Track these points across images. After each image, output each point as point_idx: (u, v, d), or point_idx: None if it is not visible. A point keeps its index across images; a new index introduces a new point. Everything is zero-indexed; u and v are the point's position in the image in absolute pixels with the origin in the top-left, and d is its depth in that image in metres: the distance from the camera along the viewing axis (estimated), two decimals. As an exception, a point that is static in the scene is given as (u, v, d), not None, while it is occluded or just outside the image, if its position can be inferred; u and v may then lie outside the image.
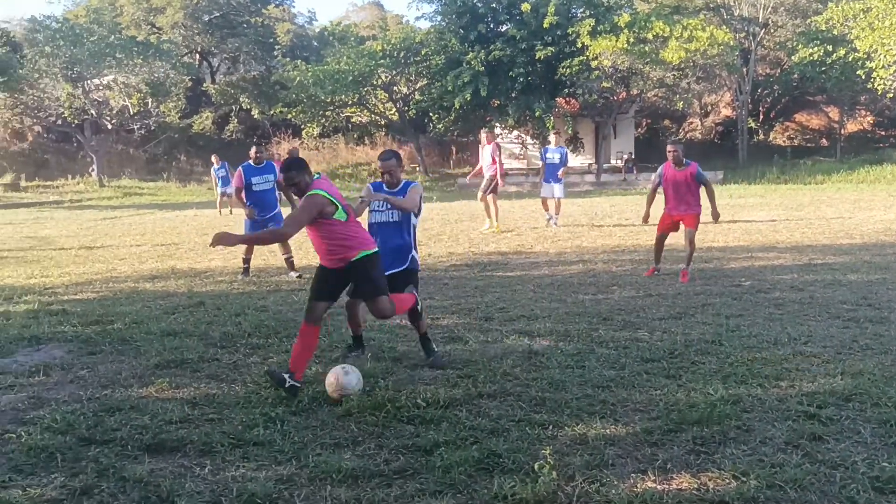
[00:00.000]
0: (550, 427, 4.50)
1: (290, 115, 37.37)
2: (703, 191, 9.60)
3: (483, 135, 16.07)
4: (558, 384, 5.29)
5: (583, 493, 3.64)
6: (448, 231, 15.61)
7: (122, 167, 41.44)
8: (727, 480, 3.73)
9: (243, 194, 10.10)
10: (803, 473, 3.76)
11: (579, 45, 31.32)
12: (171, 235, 16.16)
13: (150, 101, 38.73)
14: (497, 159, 15.11)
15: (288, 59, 39.40)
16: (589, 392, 5.11)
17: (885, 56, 30.45)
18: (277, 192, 10.26)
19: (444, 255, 12.18)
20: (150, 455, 4.20)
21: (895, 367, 5.49)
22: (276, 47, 43.90)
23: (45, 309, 8.23)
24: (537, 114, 32.21)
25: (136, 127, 40.42)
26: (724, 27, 33.96)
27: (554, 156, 15.84)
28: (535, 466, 3.77)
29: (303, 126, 38.88)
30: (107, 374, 5.78)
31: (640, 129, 41.70)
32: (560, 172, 15.49)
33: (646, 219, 10.04)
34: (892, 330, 6.58)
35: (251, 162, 10.23)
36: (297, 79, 34.54)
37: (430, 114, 36.44)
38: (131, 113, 39.02)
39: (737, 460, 3.96)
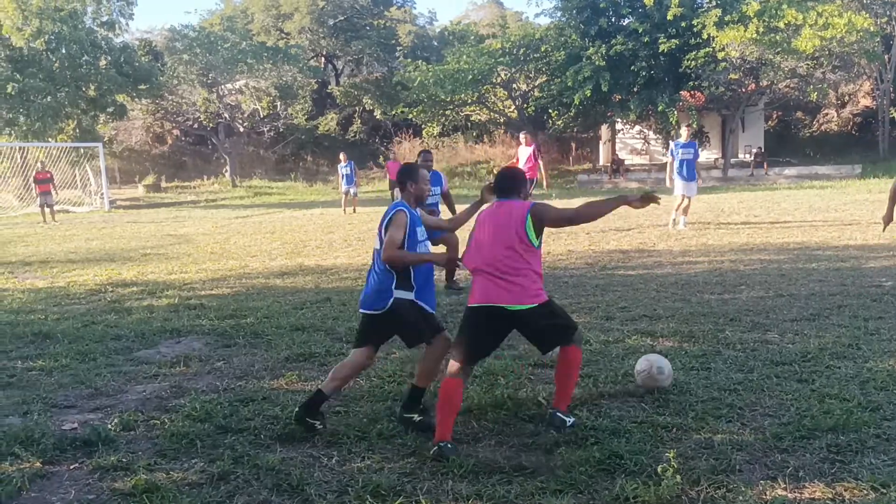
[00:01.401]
0: (674, 430, 4.42)
1: (411, 115, 38.01)
2: None
3: (522, 136, 15.77)
4: (682, 386, 5.18)
5: (708, 497, 3.56)
6: (567, 228, 15.47)
7: (252, 168, 43.33)
8: (865, 491, 3.56)
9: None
10: (949, 488, 3.54)
11: (705, 36, 30.33)
12: (298, 233, 16.79)
13: (278, 104, 40.33)
14: (539, 162, 15.19)
15: (409, 59, 40.09)
16: (715, 395, 4.97)
17: None
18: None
19: (563, 252, 12.10)
20: (281, 444, 4.40)
21: None
22: (398, 48, 44.79)
23: (185, 303, 8.74)
24: (660, 108, 31.44)
25: (265, 129, 42.18)
26: (864, 12, 32.02)
27: (689, 151, 14.98)
28: (658, 469, 3.71)
29: (423, 125, 39.46)
30: (241, 365, 6.09)
31: (770, 122, 39.93)
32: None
33: (888, 220, 7.51)
34: None
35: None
36: (418, 79, 35.08)
37: (550, 110, 36.19)
38: (261, 116, 40.73)
39: (876, 470, 3.77)
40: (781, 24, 29.27)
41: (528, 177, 14.29)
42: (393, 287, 4.61)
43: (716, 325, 6.92)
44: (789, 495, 3.56)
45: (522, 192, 4.74)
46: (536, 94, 36.78)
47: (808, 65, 30.79)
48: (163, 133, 45.51)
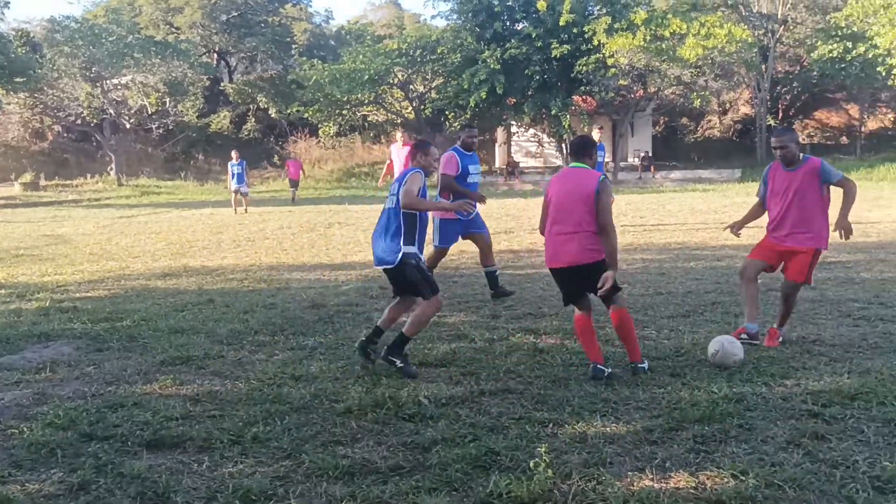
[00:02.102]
0: (551, 425, 4.48)
1: (306, 114, 37.55)
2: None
3: (399, 135, 15.34)
4: (561, 382, 5.27)
5: (579, 491, 3.61)
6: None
7: (140, 166, 41.79)
8: (726, 479, 3.69)
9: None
10: (803, 472, 3.71)
11: (595, 42, 31.23)
12: (186, 234, 16.27)
13: (167, 100, 39.04)
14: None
15: (305, 58, 39.61)
16: (591, 390, 5.08)
17: (905, 52, 30.09)
18: None
19: (454, 252, 12.15)
20: (149, 451, 4.22)
21: (904, 366, 5.41)
22: (293, 46, 44.14)
23: (57, 306, 8.31)
24: (553, 112, 32.16)
25: (154, 126, 40.77)
26: (743, 24, 33.73)
27: (601, 154, 14.15)
28: (532, 464, 3.75)
29: (319, 125, 39.04)
30: (112, 370, 5.82)
31: (657, 127, 41.50)
32: None
33: (737, 228, 6.80)
34: (903, 329, 6.49)
35: (460, 146, 8.42)
36: (314, 78, 34.69)
37: (447, 112, 36.49)
38: (149, 112, 39.35)
39: (737, 459, 3.92)
40: (667, 33, 30.46)
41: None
42: (402, 243, 5.58)
43: (597, 322, 7.05)
44: (655, 486, 3.65)
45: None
46: (433, 95, 37.00)
47: (692, 73, 32.12)
48: (42, 129, 43.33)
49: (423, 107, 37.40)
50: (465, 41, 33.90)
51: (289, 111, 39.23)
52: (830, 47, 32.97)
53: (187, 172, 40.82)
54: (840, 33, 33.23)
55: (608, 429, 4.39)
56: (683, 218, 17.22)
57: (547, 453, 3.81)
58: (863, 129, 39.69)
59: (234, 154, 22.81)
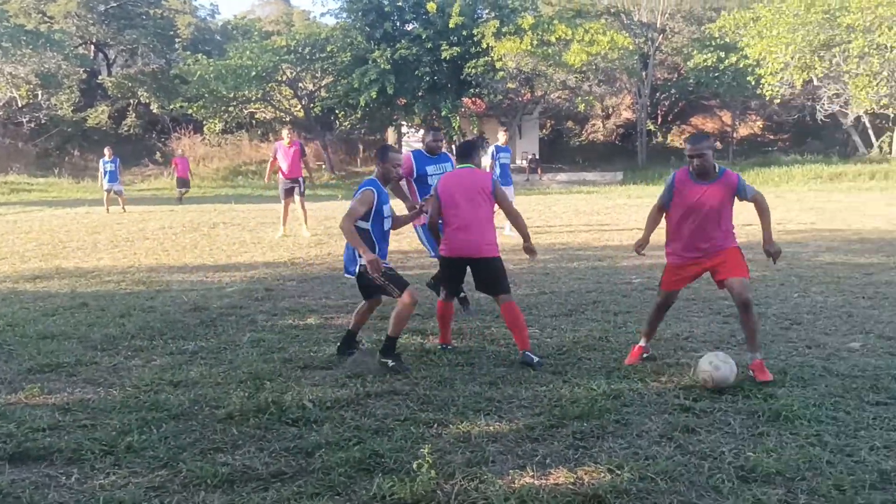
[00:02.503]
0: (435, 425, 4.50)
1: (190, 111, 36.39)
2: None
3: (286, 133, 14.75)
4: (447, 382, 5.31)
5: (461, 490, 3.64)
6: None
7: (9, 162, 39.34)
8: (602, 474, 3.81)
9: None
10: (674, 465, 3.88)
11: (484, 45, 31.66)
12: (59, 233, 15.46)
13: (40, 93, 36.99)
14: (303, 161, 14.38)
15: (189, 52, 38.35)
16: (476, 389, 5.14)
17: (772, 63, 31.94)
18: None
19: (340, 253, 12.06)
20: (12, 465, 3.98)
21: (768, 360, 5.70)
22: (177, 40, 42.68)
23: (-89, 312, 7.73)
24: (444, 113, 32.40)
25: (24, 120, 38.52)
26: (624, 32, 34.97)
27: (507, 155, 14.34)
28: (415, 465, 3.76)
29: (204, 121, 37.91)
30: (-27, 380, 5.46)
31: (544, 130, 42.46)
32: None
33: (642, 244, 6.18)
34: (768, 325, 6.88)
35: (424, 149, 7.86)
36: (198, 73, 33.68)
37: (337, 111, 36.18)
38: (19, 105, 37.17)
39: (613, 454, 4.05)
40: (553, 39, 31.22)
41: (294, 176, 14.00)
42: (357, 254, 5.54)
43: (483, 322, 7.19)
44: (536, 483, 3.73)
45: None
46: (323, 94, 36.61)
47: (576, 77, 33.04)
48: None
49: (312, 105, 36.93)
50: (355, 40, 33.69)
51: (172, 107, 37.89)
52: (705, 57, 34.62)
53: (62, 169, 38.73)
54: (714, 44, 34.95)
55: (491, 427, 4.46)
56: (568, 219, 17.69)
57: (430, 454, 3.83)
58: (735, 135, 41.89)
59: (107, 151, 21.76)
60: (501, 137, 14.78)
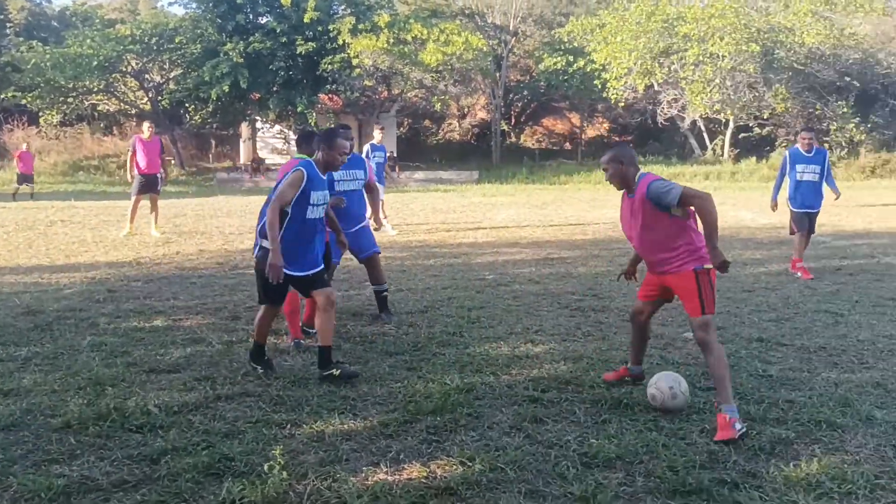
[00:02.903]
0: (288, 426, 4.44)
1: (24, 101, 34.00)
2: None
3: (147, 126, 13.70)
4: (301, 382, 5.24)
5: (314, 490, 3.61)
6: (202, 227, 14.99)
7: None
8: (455, 466, 3.88)
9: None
10: (523, 454, 4.01)
11: (340, 42, 31.44)
12: None
13: None
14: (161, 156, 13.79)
15: (22, 39, 35.83)
16: (331, 388, 5.10)
17: (616, 68, 33.56)
18: None
19: (194, 252, 11.66)
20: None
21: (611, 351, 6.02)
22: (9, 26, 39.75)
23: None
24: (299, 109, 31.91)
25: None
26: (479, 33, 35.69)
27: (381, 154, 14.34)
28: (266, 467, 3.69)
29: (40, 113, 35.53)
30: None
31: (402, 129, 42.68)
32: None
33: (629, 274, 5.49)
34: (611, 318, 7.23)
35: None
36: (33, 61, 31.56)
37: (187, 105, 34.88)
38: None
39: (465, 446, 4.14)
40: (409, 37, 31.43)
41: (153, 171, 13.40)
42: (259, 235, 5.24)
43: (339, 320, 7.12)
44: (389, 478, 3.75)
45: None
46: (171, 86, 35.20)
47: (433, 77, 33.43)
48: None
49: (160, 98, 35.41)
50: (206, 32, 32.59)
51: (2, 96, 35.28)
52: (555, 60, 35.91)
53: None
54: (563, 48, 36.32)
55: (346, 426, 4.44)
56: (425, 217, 17.87)
57: (282, 455, 3.78)
58: (583, 136, 43.70)
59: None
60: (377, 136, 14.76)
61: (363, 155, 13.64)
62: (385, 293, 7.34)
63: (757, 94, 34.62)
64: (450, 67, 33.13)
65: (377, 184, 12.36)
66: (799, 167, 9.64)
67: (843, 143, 34.87)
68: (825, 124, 35.93)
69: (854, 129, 34.02)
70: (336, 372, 5.19)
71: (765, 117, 35.46)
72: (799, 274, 9.40)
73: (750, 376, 5.36)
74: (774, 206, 10.08)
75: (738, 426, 4.18)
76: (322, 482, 3.69)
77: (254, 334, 5.49)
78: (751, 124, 35.28)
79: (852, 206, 19.12)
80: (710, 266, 4.41)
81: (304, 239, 5.21)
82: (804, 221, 9.71)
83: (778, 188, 10.08)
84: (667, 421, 4.49)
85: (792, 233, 9.86)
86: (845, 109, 34.38)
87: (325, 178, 5.27)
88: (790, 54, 33.70)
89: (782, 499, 3.51)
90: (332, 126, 5.35)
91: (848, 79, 34.54)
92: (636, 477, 3.76)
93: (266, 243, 5.08)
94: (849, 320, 7.07)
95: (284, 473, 3.64)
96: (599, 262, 10.77)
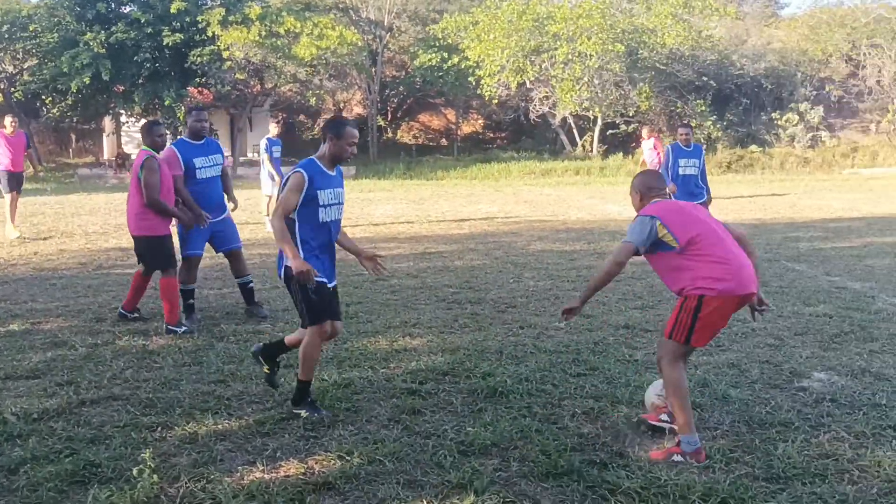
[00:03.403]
0: (159, 428, 4.30)
1: None
2: None
3: (9, 121, 12.64)
4: (172, 383, 5.08)
5: (187, 492, 3.52)
6: (62, 226, 14.22)
7: None
8: (333, 461, 3.87)
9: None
10: (401, 446, 4.04)
11: (210, 34, 30.44)
12: None
13: None
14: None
15: None
16: (204, 389, 4.98)
17: (490, 66, 34.14)
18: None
19: (54, 252, 11.05)
20: None
21: (487, 342, 6.15)
22: None
23: None
24: (167, 102, 30.70)
25: None
26: (353, 28, 35.44)
27: (279, 148, 13.95)
28: (135, 472, 3.56)
29: None
30: None
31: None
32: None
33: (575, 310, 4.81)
34: (486, 309, 7.37)
35: (187, 136, 7.04)
36: None
37: (43, 97, 32.92)
38: None
39: (343, 441, 4.13)
40: (282, 30, 30.82)
41: (22, 168, 12.57)
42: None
43: (212, 319, 6.96)
44: (266, 476, 3.70)
45: None
46: (26, 77, 33.09)
47: (307, 71, 32.94)
48: None
49: (13, 89, 33.23)
50: (63, 20, 30.83)
51: None
52: (430, 56, 36.12)
53: None
54: (438, 44, 36.56)
55: (220, 426, 4.35)
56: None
57: (152, 458, 3.65)
58: (458, 132, 44.20)
59: None
60: (273, 129, 14.40)
61: (262, 149, 13.68)
62: (251, 284, 7.28)
63: (623, 92, 36.04)
64: (324, 62, 32.72)
65: (279, 177, 12.52)
66: (681, 161, 10.11)
67: (702, 140, 36.79)
68: (685, 121, 37.87)
69: (711, 127, 35.98)
70: (304, 413, 4.45)
71: (630, 115, 36.95)
72: None
73: (617, 361, 5.60)
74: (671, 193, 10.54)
75: (683, 456, 3.87)
76: (195, 484, 3.60)
77: (299, 371, 4.50)
78: (617, 121, 36.68)
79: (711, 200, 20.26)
80: (708, 295, 3.93)
81: (322, 246, 4.51)
82: None
83: (667, 178, 10.55)
84: (540, 407, 4.63)
85: None
86: (703, 108, 36.32)
87: (333, 173, 4.54)
88: (653, 54, 35.26)
89: (646, 475, 3.69)
90: (337, 116, 4.87)
91: (705, 79, 36.52)
92: (511, 462, 3.87)
93: (288, 261, 4.33)
94: (707, 306, 7.50)
95: (155, 477, 3.52)
96: (476, 255, 10.95)
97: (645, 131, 20.16)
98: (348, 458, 3.89)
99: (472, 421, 4.42)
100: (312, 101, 34.48)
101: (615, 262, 4.14)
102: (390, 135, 43.26)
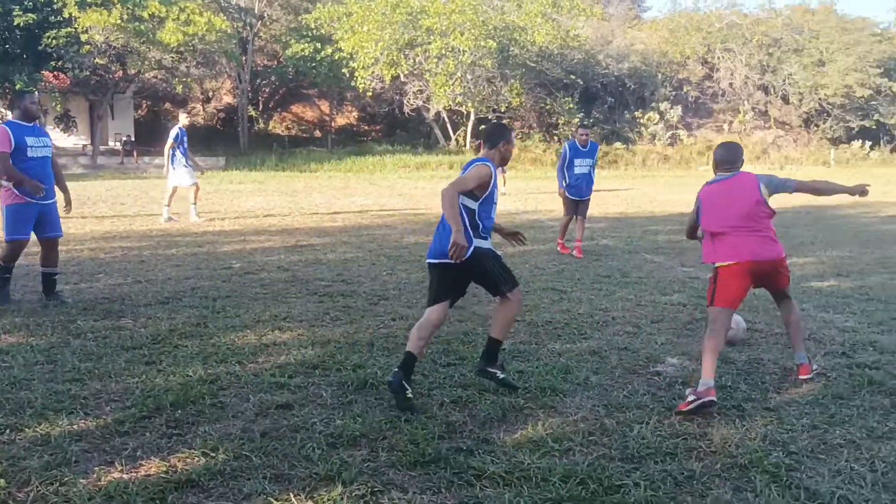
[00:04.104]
0: (7, 431, 4.05)
1: None
2: None
3: None
4: (23, 383, 4.80)
5: (38, 496, 3.34)
6: None
7: None
8: (197, 458, 3.77)
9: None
10: (268, 440, 3.99)
11: (66, 15, 28.80)
12: None
13: None
14: None
15: None
16: (58, 388, 4.73)
17: (364, 58, 33.98)
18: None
19: None
20: None
21: (358, 334, 6.15)
22: None
23: None
24: (18, 86, 28.78)
25: None
26: (223, 15, 34.42)
27: (185, 140, 13.63)
28: (-23, 478, 3.36)
29: None
30: None
31: (140, 111, 40.12)
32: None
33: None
34: (358, 302, 7.37)
35: (19, 117, 6.97)
36: None
37: None
38: None
39: (208, 437, 4.03)
40: (146, 15, 29.54)
41: None
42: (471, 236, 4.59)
43: (68, 315, 6.62)
44: (125, 477, 3.56)
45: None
46: None
47: (173, 58, 31.75)
48: None
49: None
50: None
51: None
52: (302, 46, 35.60)
53: None
54: (311, 34, 36.08)
55: (75, 426, 4.15)
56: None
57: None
58: (333, 124, 43.80)
59: None
60: (183, 120, 14.08)
61: (172, 138, 13.43)
62: (56, 276, 7.33)
63: (495, 88, 36.76)
64: (192, 48, 31.63)
65: (187, 168, 12.35)
66: (577, 161, 10.73)
67: (570, 137, 38.05)
68: (554, 118, 39.04)
69: (579, 124, 37.24)
70: (500, 375, 4.81)
71: (502, 110, 37.73)
72: (574, 253, 10.56)
73: (486, 351, 5.72)
74: (562, 192, 10.96)
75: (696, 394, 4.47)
76: (47, 487, 3.42)
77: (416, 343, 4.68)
78: (490, 116, 37.36)
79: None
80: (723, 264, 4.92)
81: (487, 230, 4.78)
82: (573, 207, 10.86)
83: (562, 176, 10.91)
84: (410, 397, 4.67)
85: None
86: (571, 105, 37.57)
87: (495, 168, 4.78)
88: (523, 52, 36.14)
89: (511, 460, 3.81)
90: (500, 122, 5.16)
91: (573, 77, 37.77)
92: (379, 452, 3.89)
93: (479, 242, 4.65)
94: (571, 296, 7.78)
95: (2, 481, 3.33)
96: (349, 248, 10.91)
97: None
98: (213, 454, 3.80)
99: (341, 413, 4.41)
100: (179, 88, 33.29)
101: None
102: (262, 125, 42.34)
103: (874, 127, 43.54)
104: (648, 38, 44.86)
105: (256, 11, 37.80)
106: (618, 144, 39.08)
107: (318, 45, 35.29)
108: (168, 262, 9.39)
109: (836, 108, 43.51)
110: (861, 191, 5.20)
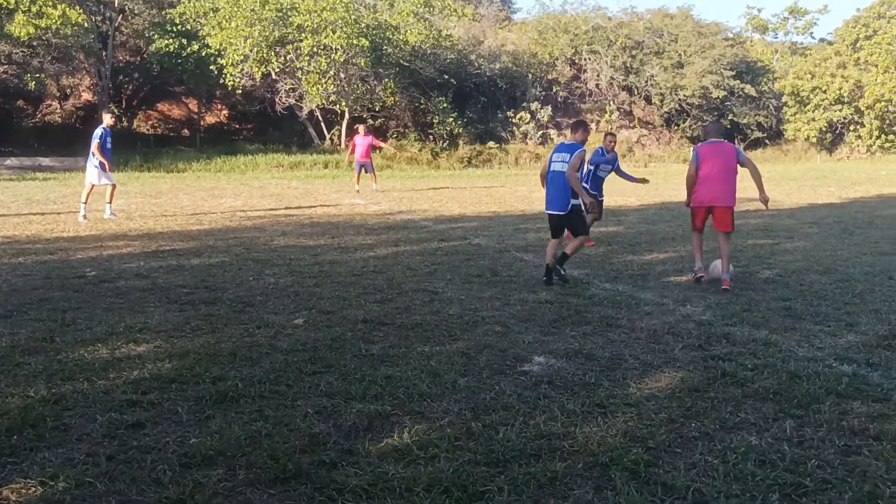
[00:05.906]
0: None
1: None
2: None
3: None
4: None
5: None
6: None
7: None
8: (33, 488, 3.48)
9: None
10: (116, 464, 3.73)
11: None
12: None
13: None
14: None
15: None
16: None
17: (232, 55, 33.04)
18: None
19: None
20: None
21: (220, 344, 5.88)
22: None
23: None
24: None
25: None
26: (78, 7, 32.63)
27: (109, 140, 14.09)
28: None
29: None
30: None
31: (-11, 109, 37.46)
32: None
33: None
34: (222, 310, 7.07)
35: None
36: None
37: None
38: None
39: (47, 464, 3.73)
40: (-7, 6, 27.65)
41: None
42: (570, 197, 8.30)
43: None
44: (-52, 515, 3.25)
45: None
46: None
47: (24, 52, 29.86)
48: None
49: None
50: None
51: None
52: (167, 42, 34.22)
53: None
54: (176, 30, 34.71)
55: None
56: (17, 209, 15.93)
57: None
58: (202, 122, 42.36)
59: None
60: (107, 120, 14.27)
61: (97, 138, 13.85)
62: None
63: (369, 86, 36.54)
64: (45, 43, 29.84)
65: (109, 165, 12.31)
66: (602, 165, 11.60)
67: (445, 136, 38.35)
68: (429, 118, 39.22)
69: (453, 123, 37.55)
70: (562, 272, 8.44)
71: (377, 109, 37.56)
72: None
73: (354, 357, 5.60)
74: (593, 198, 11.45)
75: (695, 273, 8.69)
76: None
77: (569, 251, 8.57)
78: (365, 115, 37.12)
79: (452, 191, 21.12)
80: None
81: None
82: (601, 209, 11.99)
83: (586, 182, 11.34)
84: (272, 409, 4.50)
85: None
86: (445, 105, 37.83)
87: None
88: (396, 51, 36.10)
89: (375, 471, 3.71)
90: (583, 118, 9.37)
91: (446, 76, 38.05)
92: (237, 470, 3.71)
93: (574, 202, 8.32)
94: (442, 297, 7.76)
95: None
96: (214, 252, 10.51)
97: (361, 129, 21.81)
98: (52, 482, 3.51)
99: (197, 430, 4.19)
100: (32, 85, 31.28)
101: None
102: (125, 124, 40.41)
103: (729, 126, 46.13)
104: (518, 39, 45.79)
105: (117, 5, 36.05)
106: (491, 143, 39.68)
107: (185, 41, 34.03)
108: (14, 272, 8.75)
109: (695, 108, 45.89)
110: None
